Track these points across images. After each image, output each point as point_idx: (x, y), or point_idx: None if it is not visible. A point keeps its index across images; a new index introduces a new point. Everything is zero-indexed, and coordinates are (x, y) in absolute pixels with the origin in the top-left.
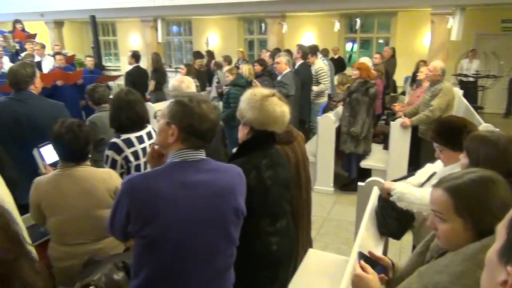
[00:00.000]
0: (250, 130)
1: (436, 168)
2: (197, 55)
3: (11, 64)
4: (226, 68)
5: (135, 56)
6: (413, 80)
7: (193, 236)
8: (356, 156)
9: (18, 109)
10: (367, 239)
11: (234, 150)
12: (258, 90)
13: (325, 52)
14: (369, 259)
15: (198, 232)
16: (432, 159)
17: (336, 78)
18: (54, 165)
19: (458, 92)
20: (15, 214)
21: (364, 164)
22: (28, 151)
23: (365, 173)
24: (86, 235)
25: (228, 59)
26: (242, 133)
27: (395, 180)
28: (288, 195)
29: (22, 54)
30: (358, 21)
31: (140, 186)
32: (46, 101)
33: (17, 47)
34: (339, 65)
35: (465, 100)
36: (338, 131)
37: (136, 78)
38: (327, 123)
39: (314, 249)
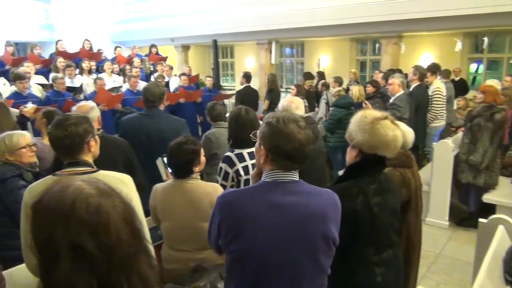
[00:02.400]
0: (359, 153)
1: None
2: (308, 76)
3: (144, 83)
4: (335, 89)
5: (246, 77)
6: None
7: (278, 257)
8: (475, 188)
9: (149, 124)
10: (487, 285)
11: (341, 172)
12: (370, 113)
13: (445, 74)
14: None
15: (282, 253)
16: None
17: (456, 101)
18: None
19: None
20: (141, 214)
21: (488, 198)
22: (154, 161)
23: (488, 209)
24: (189, 243)
25: (339, 80)
26: (350, 156)
27: None
28: (396, 224)
29: (155, 75)
30: (486, 40)
31: (230, 203)
32: (171, 118)
33: (151, 69)
34: (460, 87)
35: None
36: (457, 159)
37: (244, 97)
38: (444, 150)
39: (423, 287)
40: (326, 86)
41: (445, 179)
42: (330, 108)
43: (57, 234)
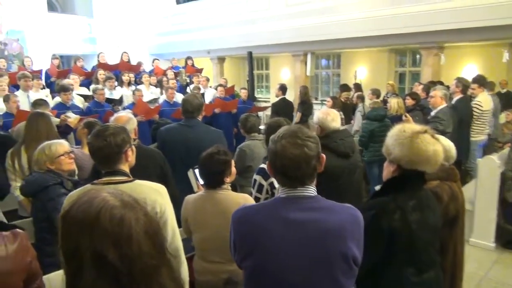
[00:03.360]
0: (397, 168)
1: None
2: (344, 88)
3: (180, 95)
4: (370, 101)
5: (282, 89)
6: None
7: (293, 275)
8: None
9: (188, 134)
10: None
11: (377, 187)
12: (408, 126)
13: (490, 86)
14: None
15: (298, 272)
16: None
17: (503, 115)
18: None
19: None
20: (174, 225)
21: None
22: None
23: None
24: (222, 254)
25: (376, 92)
26: (387, 171)
27: None
28: (437, 243)
29: (191, 86)
30: None
31: (244, 218)
32: (209, 128)
33: (188, 80)
34: (507, 100)
35: None
36: (503, 176)
37: (280, 109)
38: (490, 167)
39: None
40: (361, 98)
41: (491, 198)
42: (362, 121)
43: (82, 243)
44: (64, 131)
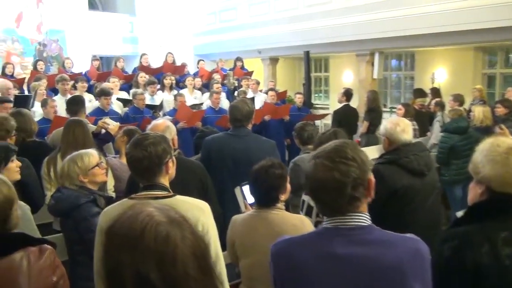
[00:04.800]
0: (486, 190)
1: None
2: (419, 93)
3: (226, 101)
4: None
5: (347, 94)
6: None
7: None
8: None
9: (236, 145)
10: None
11: (460, 213)
12: (504, 140)
13: None
14: None
15: None
16: None
17: None
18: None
19: None
20: (217, 246)
21: None
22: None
23: None
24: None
25: (459, 99)
26: (474, 193)
27: None
28: None
29: (239, 90)
30: None
31: (282, 252)
32: (260, 139)
33: (236, 84)
34: None
35: None
36: None
37: (343, 117)
38: None
39: None
40: (441, 105)
41: None
42: (440, 134)
43: (124, 261)
44: (104, 138)
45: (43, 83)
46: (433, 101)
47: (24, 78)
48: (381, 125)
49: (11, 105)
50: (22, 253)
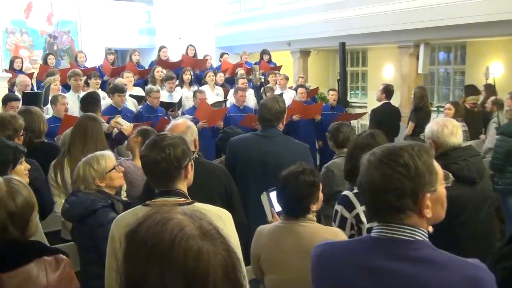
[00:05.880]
0: None
1: None
2: (471, 90)
3: (253, 98)
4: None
5: (387, 91)
6: None
7: None
8: None
9: (265, 147)
10: None
11: None
12: None
13: None
14: None
15: None
16: None
17: None
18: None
19: None
20: (240, 261)
21: None
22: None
23: None
24: None
25: None
26: None
27: None
28: None
29: (266, 86)
30: None
31: (321, 258)
32: (291, 141)
33: (262, 80)
34: None
35: None
36: None
37: (382, 117)
38: None
39: None
40: (499, 104)
41: None
42: (496, 137)
43: (152, 275)
44: (117, 139)
45: (58, 78)
46: (490, 100)
47: (32, 73)
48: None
49: (19, 103)
50: (38, 264)
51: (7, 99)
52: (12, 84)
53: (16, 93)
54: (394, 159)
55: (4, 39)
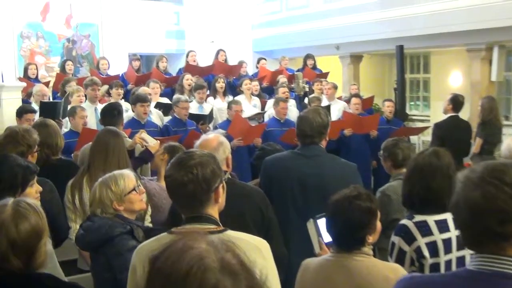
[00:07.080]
0: None
1: None
2: None
3: (296, 110)
4: None
5: (455, 101)
6: None
7: None
8: None
9: (305, 167)
10: None
11: None
12: None
13: None
14: None
15: None
16: None
17: None
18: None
19: None
20: None
21: None
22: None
23: None
24: None
25: None
26: None
27: None
28: None
29: (311, 96)
30: None
31: None
32: (337, 160)
33: (306, 89)
34: None
35: None
36: None
37: (447, 133)
38: None
39: None
40: None
41: None
42: None
43: None
44: (142, 158)
45: (81, 88)
46: None
47: (48, 82)
48: (503, 144)
49: (35, 116)
50: None
51: (23, 111)
52: (27, 95)
53: (33, 104)
54: (498, 176)
55: (19, 44)
